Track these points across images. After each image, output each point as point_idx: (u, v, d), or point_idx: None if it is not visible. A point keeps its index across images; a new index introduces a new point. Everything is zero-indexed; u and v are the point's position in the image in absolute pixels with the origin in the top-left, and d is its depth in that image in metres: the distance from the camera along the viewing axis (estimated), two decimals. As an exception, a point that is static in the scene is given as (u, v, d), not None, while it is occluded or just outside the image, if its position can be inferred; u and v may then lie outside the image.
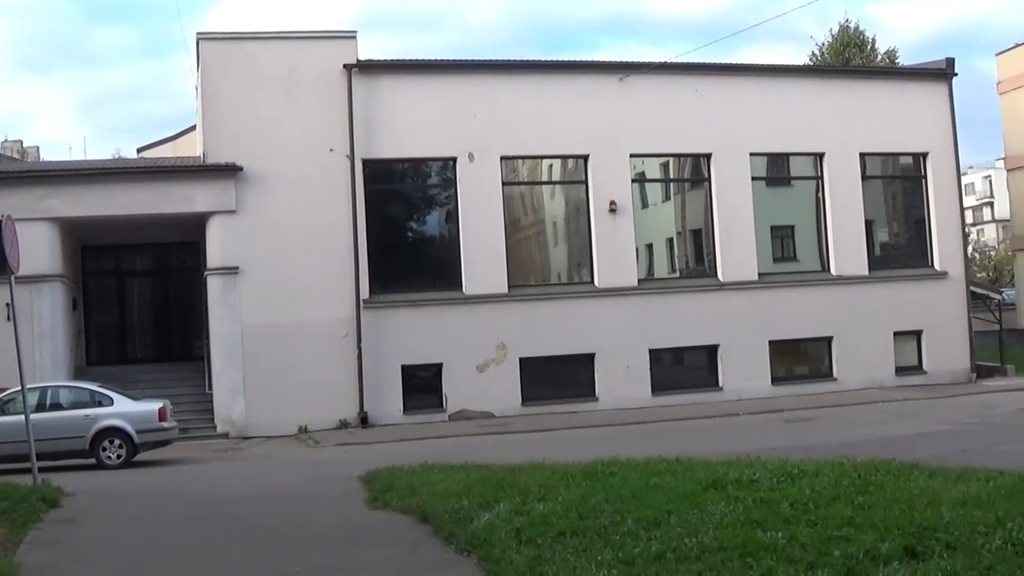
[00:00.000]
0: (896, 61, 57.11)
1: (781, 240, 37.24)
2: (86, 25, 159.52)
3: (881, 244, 38.28)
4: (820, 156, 36.17)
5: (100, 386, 26.58)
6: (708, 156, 35.18)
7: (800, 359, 36.26)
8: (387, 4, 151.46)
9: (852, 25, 59.50)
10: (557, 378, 33.41)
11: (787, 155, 36.90)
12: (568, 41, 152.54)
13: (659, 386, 33.76)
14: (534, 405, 32.45)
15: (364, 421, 31.50)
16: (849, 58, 56.56)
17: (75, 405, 25.59)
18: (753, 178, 35.53)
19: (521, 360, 32.84)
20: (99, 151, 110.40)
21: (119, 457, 24.86)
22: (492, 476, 15.19)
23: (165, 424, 25.56)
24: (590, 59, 37.66)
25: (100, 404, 25.40)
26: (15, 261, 18.65)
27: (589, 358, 33.46)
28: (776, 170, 37.46)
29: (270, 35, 33.59)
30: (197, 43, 33.11)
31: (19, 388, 20.60)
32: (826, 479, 12.62)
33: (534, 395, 32.80)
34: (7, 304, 22.80)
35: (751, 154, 35.41)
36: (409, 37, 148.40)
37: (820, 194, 36.36)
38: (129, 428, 24.96)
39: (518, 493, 13.35)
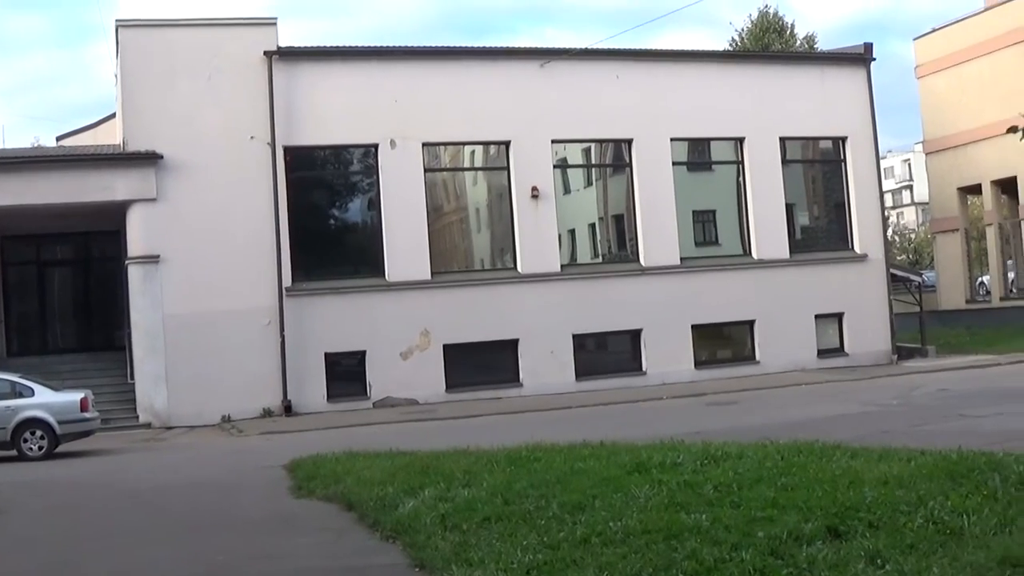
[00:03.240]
0: (815, 46, 57.60)
1: (703, 224, 37.47)
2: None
3: (802, 228, 38.64)
4: (740, 141, 36.43)
5: (21, 377, 26.28)
6: (629, 142, 35.31)
7: (723, 343, 36.54)
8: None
9: (771, 11, 59.97)
10: (481, 364, 33.41)
11: (708, 140, 37.12)
12: (486, 27, 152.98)
13: (583, 371, 33.90)
14: (458, 391, 32.48)
15: (288, 409, 31.36)
16: (768, 43, 56.94)
17: (-5, 397, 25.35)
18: (674, 163, 35.72)
19: (445, 347, 32.83)
20: (18, 139, 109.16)
21: (41, 448, 24.64)
22: (417, 463, 15.22)
23: (87, 415, 25.36)
24: (511, 45, 37.58)
25: (21, 395, 25.14)
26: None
27: (513, 344, 33.52)
28: (697, 155, 37.68)
29: (189, 22, 33.35)
30: (116, 30, 32.77)
31: (-62, 380, 20.40)
32: (749, 461, 12.74)
33: (458, 381, 32.82)
34: (-76, 295, 22.61)
35: (672, 139, 35.59)
36: (325, 22, 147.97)
37: (741, 178, 36.63)
38: (51, 419, 24.74)
39: (443, 479, 13.40)
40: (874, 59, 38.09)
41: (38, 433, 24.77)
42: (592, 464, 13.51)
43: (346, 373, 32.48)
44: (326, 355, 32.13)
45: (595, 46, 35.80)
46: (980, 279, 49.45)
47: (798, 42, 58.57)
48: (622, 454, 14.15)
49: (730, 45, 58.75)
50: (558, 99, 34.20)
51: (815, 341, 36.32)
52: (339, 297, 32.48)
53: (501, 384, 33.09)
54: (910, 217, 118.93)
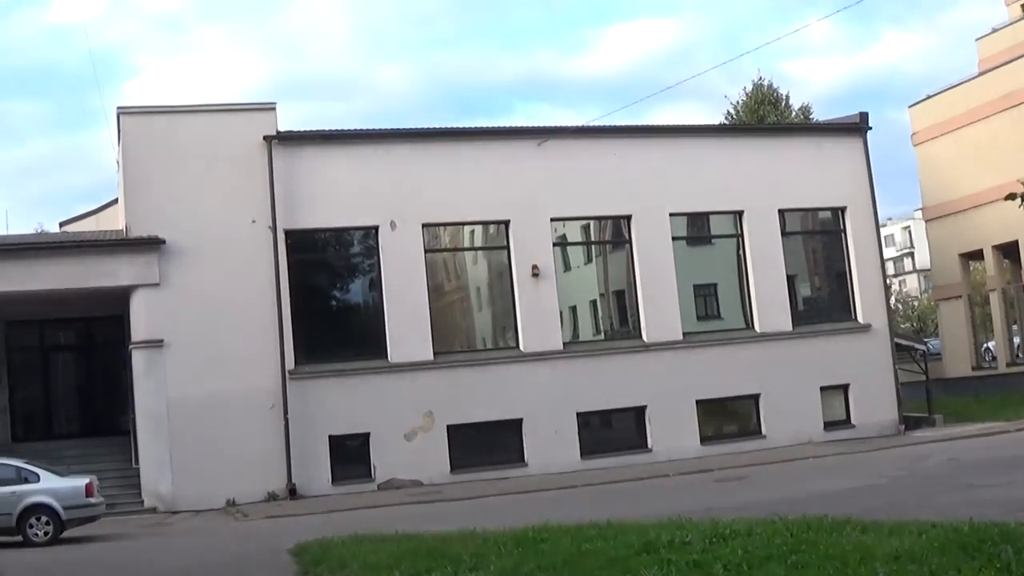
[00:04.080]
0: (811, 117, 57.79)
1: (704, 299, 37.50)
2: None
3: (804, 299, 38.65)
4: (739, 214, 36.53)
5: (26, 462, 26.25)
6: (628, 218, 35.42)
7: (728, 417, 36.39)
8: (297, 72, 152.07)
9: (766, 83, 60.20)
10: (485, 444, 33.31)
11: (707, 214, 37.18)
12: (481, 105, 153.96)
13: (588, 449, 33.78)
14: (463, 472, 32.35)
15: (293, 493, 31.27)
16: (764, 115, 57.17)
17: (1, 482, 25.29)
18: (674, 238, 35.78)
19: (449, 427, 32.75)
20: (21, 225, 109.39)
21: (46, 534, 24.53)
22: (423, 546, 15.15)
23: (92, 500, 25.30)
24: (508, 125, 37.84)
25: (26, 481, 25.10)
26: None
27: (517, 423, 33.44)
28: (696, 229, 37.73)
29: (190, 108, 33.52)
30: (118, 117, 33.02)
31: (-57, 466, 20.39)
32: (759, 538, 12.68)
33: (463, 462, 32.71)
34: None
35: (671, 214, 35.68)
36: (320, 105, 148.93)
37: (741, 251, 36.69)
38: (56, 505, 24.68)
39: (450, 563, 13.32)
40: (870, 128, 38.28)
41: (43, 519, 24.67)
42: (600, 544, 13.45)
43: (350, 455, 32.38)
44: (330, 437, 32.04)
45: (592, 123, 36.09)
46: (985, 345, 49.35)
47: (793, 113, 58.79)
48: (630, 533, 14.08)
49: (726, 118, 59.01)
50: (556, 177, 34.35)
51: (821, 413, 36.18)
52: (342, 379, 32.45)
53: (506, 464, 32.96)
54: (912, 284, 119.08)
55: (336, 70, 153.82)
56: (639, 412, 34.69)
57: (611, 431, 35.40)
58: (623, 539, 13.62)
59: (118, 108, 33.22)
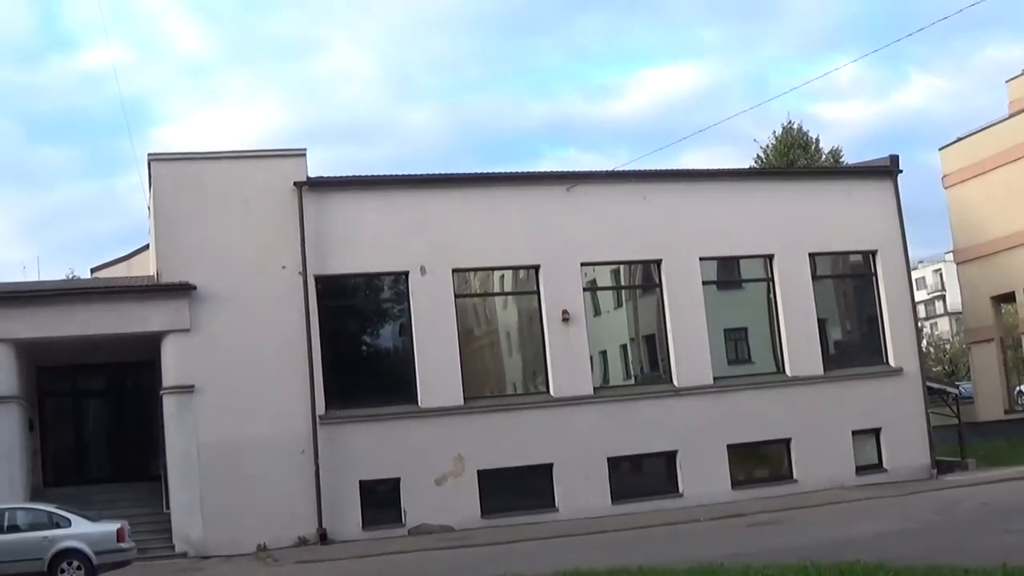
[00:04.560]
0: (841, 160, 57.83)
1: (735, 343, 37.38)
2: (28, 145, 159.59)
3: (835, 343, 38.43)
4: (770, 258, 36.47)
5: (58, 507, 26.43)
6: (658, 262, 35.41)
7: (759, 462, 36.16)
8: (324, 117, 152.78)
9: (795, 126, 60.29)
10: (516, 489, 33.21)
11: (737, 258, 37.13)
12: (509, 150, 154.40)
13: (619, 494, 33.63)
14: (494, 517, 32.27)
15: (323, 538, 31.25)
16: (794, 159, 57.20)
17: (33, 527, 25.50)
18: (704, 282, 35.69)
19: (479, 472, 32.68)
20: (53, 271, 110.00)
21: (78, 580, 24.69)
22: (455, 592, 15.15)
23: (124, 545, 25.46)
24: (536, 170, 37.86)
25: (58, 525, 25.30)
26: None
27: (547, 468, 33.35)
28: (726, 273, 37.64)
29: (220, 154, 33.73)
30: (148, 164, 33.24)
31: (-23, 511, 20.52)
32: (790, 585, 12.62)
33: (494, 507, 32.62)
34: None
35: (701, 258, 35.63)
36: (348, 149, 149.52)
37: (772, 295, 36.60)
38: (87, 550, 24.85)
39: (482, 609, 13.31)
40: (901, 171, 38.12)
41: (75, 563, 24.87)
42: (631, 591, 13.41)
43: (381, 500, 32.30)
44: (361, 482, 32.01)
45: (621, 168, 35.97)
46: (1018, 388, 49.11)
47: (823, 156, 58.83)
48: (661, 580, 14.04)
49: (755, 162, 59.05)
50: (586, 222, 34.40)
51: (853, 457, 35.95)
52: (373, 424, 32.47)
53: (537, 509, 32.83)
54: (944, 327, 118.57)
55: (363, 115, 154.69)
56: (670, 457, 34.55)
57: (642, 476, 35.21)
58: (655, 585, 13.59)
59: (149, 155, 33.45)
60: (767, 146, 60.09)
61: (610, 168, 35.96)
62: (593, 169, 35.99)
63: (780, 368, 36.36)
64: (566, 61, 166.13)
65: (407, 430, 32.54)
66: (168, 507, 31.89)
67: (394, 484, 32.36)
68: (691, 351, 34.96)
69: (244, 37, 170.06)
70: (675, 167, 38.35)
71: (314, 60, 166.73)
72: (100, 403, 39.11)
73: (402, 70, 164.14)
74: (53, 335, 31.44)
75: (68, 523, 25.35)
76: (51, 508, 26.43)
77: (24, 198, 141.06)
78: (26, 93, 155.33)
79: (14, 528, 25.43)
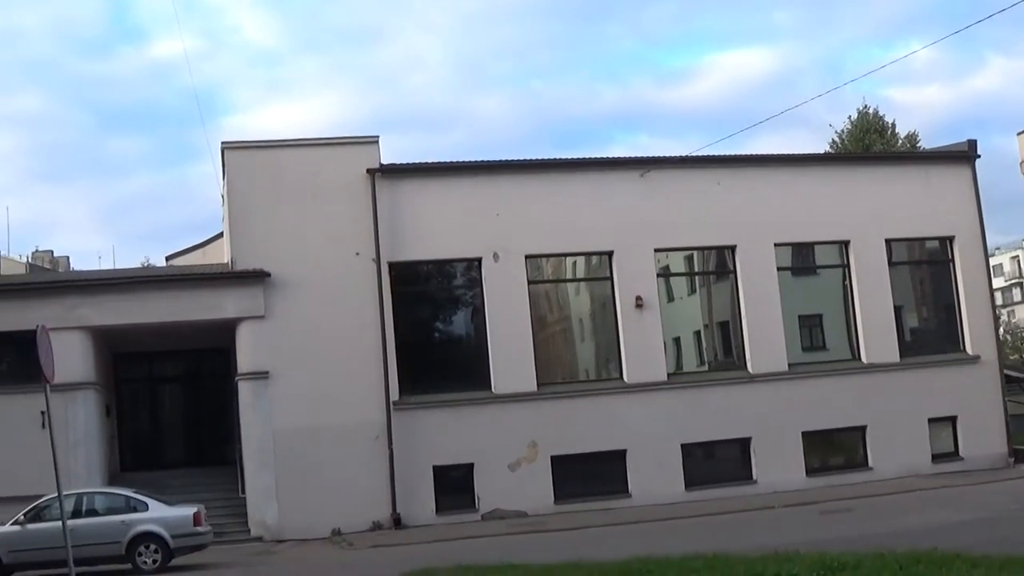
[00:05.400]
0: (917, 144, 57.22)
1: (809, 329, 37.09)
2: (101, 135, 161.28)
3: (911, 330, 38.06)
4: (845, 244, 36.15)
5: (135, 492, 26.74)
6: (732, 248, 35.22)
7: (834, 449, 35.85)
8: (394, 105, 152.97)
9: (871, 111, 59.71)
10: (589, 475, 33.15)
11: (812, 244, 36.79)
12: (579, 136, 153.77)
13: (692, 481, 33.53)
14: (567, 503, 32.27)
15: (397, 522, 31.41)
16: (869, 144, 56.69)
17: (111, 511, 25.82)
18: (779, 268, 35.46)
19: (553, 458, 32.68)
20: (128, 259, 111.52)
21: (155, 562, 25.09)
22: (528, 577, 15.12)
23: (200, 529, 25.73)
24: (610, 155, 37.73)
25: (135, 510, 25.61)
26: (50, 370, 18.75)
27: (621, 454, 33.30)
28: (801, 259, 37.34)
29: (293, 142, 33.94)
30: (222, 152, 33.48)
31: (56, 495, 20.73)
32: (867, 571, 12.51)
33: (567, 493, 32.62)
34: (42, 412, 23.06)
35: (776, 244, 35.39)
36: (418, 137, 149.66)
37: (847, 282, 36.29)
38: (165, 533, 25.14)
39: (555, 594, 13.29)
40: (978, 156, 37.66)
41: (152, 547, 25.18)
42: (706, 576, 13.34)
43: (454, 485, 32.43)
44: (434, 468, 32.13)
45: (695, 154, 35.76)
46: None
47: (899, 141, 58.25)
48: (736, 566, 13.95)
49: (830, 147, 58.56)
50: (659, 207, 34.25)
51: (928, 445, 35.58)
52: (446, 410, 32.55)
53: (610, 495, 32.79)
54: (1021, 315, 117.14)
55: (434, 102, 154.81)
56: (744, 443, 34.39)
57: (715, 462, 35.05)
58: (729, 571, 13.51)
59: (223, 143, 33.70)
60: (842, 131, 59.60)
61: (683, 153, 35.76)
62: (666, 154, 35.72)
63: (855, 355, 36.04)
64: (637, 46, 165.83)
65: (480, 416, 32.61)
66: (244, 492, 32.18)
67: (467, 469, 32.44)
68: (765, 338, 34.74)
69: (313, 25, 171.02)
70: (749, 152, 38.13)
71: (384, 48, 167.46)
72: (176, 389, 39.51)
73: (473, 57, 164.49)
74: (129, 322, 31.85)
75: (145, 507, 25.64)
76: (129, 492, 26.76)
77: (99, 188, 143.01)
78: (99, 84, 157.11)
79: (92, 512, 25.74)
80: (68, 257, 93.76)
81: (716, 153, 35.98)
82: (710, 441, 34.59)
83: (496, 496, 32.25)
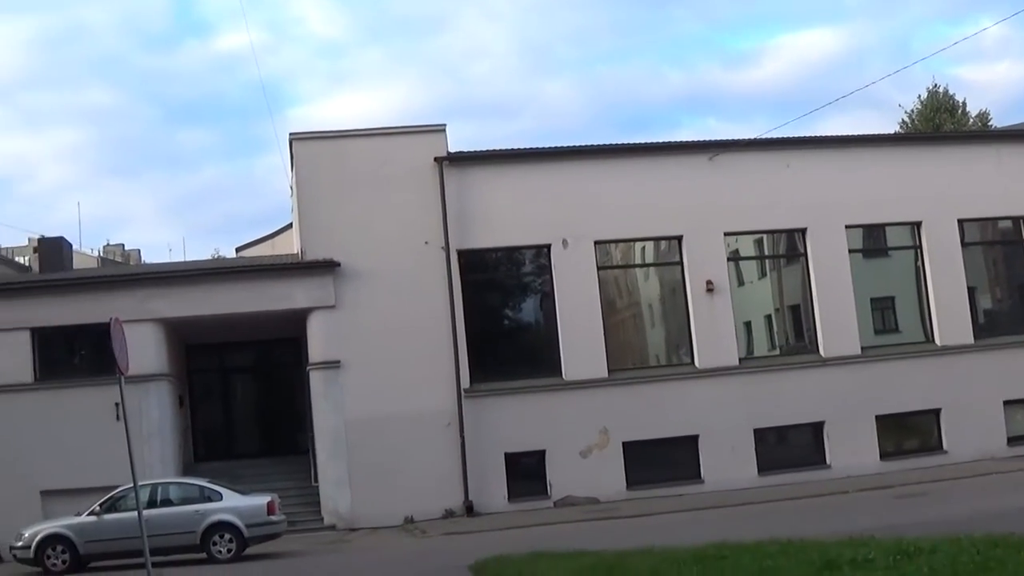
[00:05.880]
0: (989, 123, 56.57)
1: (882, 312, 36.74)
2: (169, 128, 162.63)
3: (985, 311, 37.58)
4: (917, 225, 35.76)
5: (209, 481, 26.94)
6: (803, 231, 34.96)
7: (908, 433, 35.48)
8: (459, 93, 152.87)
9: (941, 90, 59.05)
10: (661, 461, 33.05)
11: (883, 225, 36.38)
12: (646, 121, 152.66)
13: (765, 466, 33.34)
14: (639, 489, 32.20)
15: (470, 510, 31.47)
16: (940, 124, 56.09)
17: (185, 501, 26.03)
18: (850, 250, 35.12)
19: (624, 444, 32.63)
20: (197, 251, 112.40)
21: (229, 551, 25.23)
22: (602, 563, 15.07)
23: (274, 518, 25.89)
24: (678, 140, 37.46)
25: (210, 499, 25.80)
26: (124, 362, 18.91)
27: (693, 440, 33.17)
28: (873, 241, 36.99)
29: (361, 132, 34.03)
30: (290, 143, 33.64)
31: (130, 485, 20.96)
32: (943, 556, 12.35)
33: (639, 479, 32.55)
34: (116, 404, 23.32)
35: (847, 226, 35.06)
36: (484, 125, 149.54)
37: (919, 263, 35.88)
38: (239, 522, 25.30)
39: (629, 580, 13.23)
40: (1052, 134, 37.17)
41: (227, 536, 25.35)
42: (781, 562, 13.23)
43: (526, 472, 32.44)
44: (506, 455, 32.17)
45: (764, 136, 35.54)
46: None
47: (971, 120, 57.58)
48: (811, 551, 13.83)
49: (900, 127, 57.97)
50: (728, 191, 34.02)
51: (1004, 428, 35.12)
52: (517, 397, 32.56)
53: (682, 481, 32.70)
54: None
55: (499, 90, 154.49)
56: (817, 428, 34.15)
57: (788, 447, 34.80)
58: (804, 556, 13.39)
59: (290, 134, 33.86)
60: (912, 111, 58.98)
61: (751, 136, 35.53)
62: (734, 137, 35.55)
63: (929, 337, 35.68)
64: (703, 29, 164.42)
65: (551, 403, 32.58)
66: (316, 480, 32.38)
67: (539, 456, 32.45)
68: (837, 321, 34.45)
69: (376, 15, 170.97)
70: (818, 134, 37.83)
71: (448, 36, 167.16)
72: (248, 379, 39.82)
73: (537, 43, 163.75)
74: (201, 314, 32.13)
75: (219, 496, 25.83)
76: (202, 482, 26.97)
77: (167, 181, 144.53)
78: (165, 78, 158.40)
79: (167, 502, 25.99)
80: (139, 250, 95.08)
81: (785, 135, 35.73)
82: (783, 426, 34.34)
83: (568, 483, 32.24)
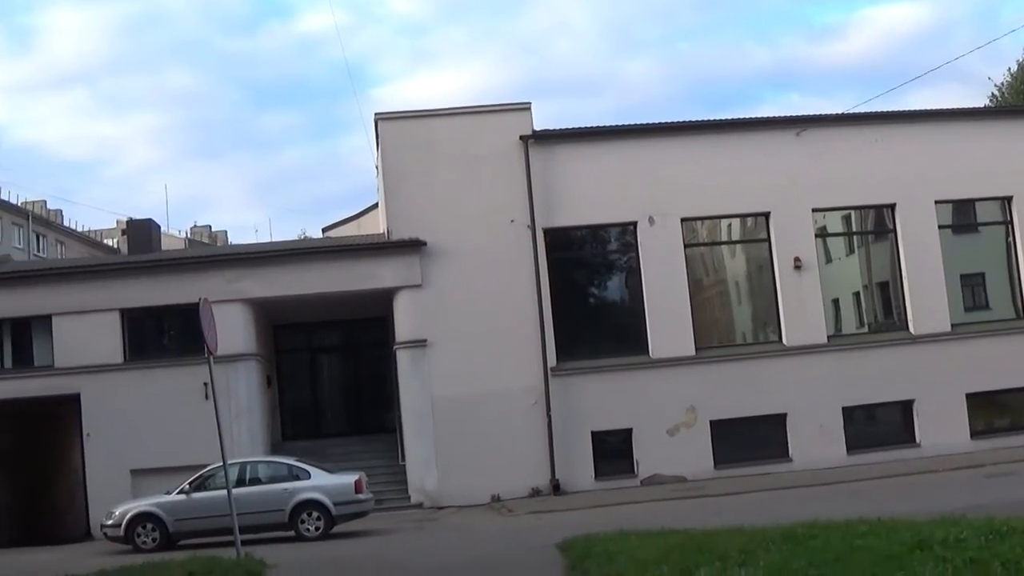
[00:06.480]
0: (1082, 95, 55.58)
1: (972, 288, 36.25)
2: (252, 110, 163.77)
3: (1078, 287, 37.01)
4: (1008, 200, 35.21)
5: (297, 460, 27.13)
6: (892, 206, 34.56)
7: (1000, 411, 34.93)
8: (541, 71, 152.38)
9: (1032, 61, 58.08)
10: (749, 439, 32.88)
11: (973, 201, 35.90)
12: (729, 97, 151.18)
13: (854, 444, 33.03)
14: (727, 468, 32.08)
15: (556, 488, 31.51)
16: (1032, 96, 55.19)
17: (274, 479, 26.25)
18: (939, 226, 34.69)
19: (712, 422, 32.51)
20: (283, 232, 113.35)
21: (317, 529, 25.38)
22: (690, 542, 14.99)
23: (361, 496, 26.00)
24: (765, 115, 37.16)
25: (298, 478, 25.99)
26: (213, 342, 19.12)
27: (781, 418, 32.96)
28: (962, 216, 36.46)
29: (446, 111, 34.09)
30: (376, 123, 33.77)
31: (220, 464, 21.20)
32: (1037, 536, 12.18)
33: (726, 457, 32.42)
34: (205, 383, 23.61)
35: (936, 201, 34.61)
36: (566, 103, 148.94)
37: (1010, 239, 35.37)
38: (327, 501, 25.45)
39: (718, 558, 13.14)
40: None
41: (315, 514, 25.51)
42: (871, 541, 13.09)
43: (613, 451, 32.45)
44: (592, 433, 32.17)
45: (851, 111, 35.18)
46: None
47: (1063, 92, 56.61)
48: (902, 530, 13.68)
49: (989, 101, 57.05)
50: (816, 167, 33.73)
51: (1100, 405, 34.64)
52: (604, 375, 32.52)
53: (770, 459, 32.48)
54: None
55: (581, 68, 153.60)
56: (906, 406, 33.78)
57: (877, 425, 34.46)
58: (895, 536, 13.24)
59: (376, 114, 34.00)
60: (1002, 84, 58.01)
61: (837, 111, 35.16)
62: (821, 112, 35.19)
63: (1020, 314, 35.20)
64: (786, 3, 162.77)
65: (638, 381, 32.53)
66: (403, 459, 32.56)
67: (626, 435, 32.43)
68: (927, 298, 34.04)
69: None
70: (905, 108, 37.38)
71: (529, 14, 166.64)
72: (335, 359, 40.01)
73: (619, 21, 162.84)
74: (288, 294, 32.43)
75: (307, 475, 26.01)
76: (291, 461, 27.16)
77: (252, 162, 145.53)
78: (248, 61, 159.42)
79: (256, 481, 26.19)
80: (226, 231, 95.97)
81: (873, 110, 35.34)
82: (872, 404, 34.01)
83: (655, 461, 32.19)
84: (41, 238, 72.33)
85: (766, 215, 33.91)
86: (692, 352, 32.90)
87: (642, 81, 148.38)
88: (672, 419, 32.40)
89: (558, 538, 18.36)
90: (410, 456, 32.21)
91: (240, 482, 25.01)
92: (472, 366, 31.60)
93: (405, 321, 32.47)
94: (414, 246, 32.26)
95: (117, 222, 77.89)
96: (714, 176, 33.34)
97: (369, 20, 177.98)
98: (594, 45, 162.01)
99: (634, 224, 33.32)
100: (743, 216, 34.76)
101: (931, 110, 36.55)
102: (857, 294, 36.07)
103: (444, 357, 31.82)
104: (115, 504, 26.54)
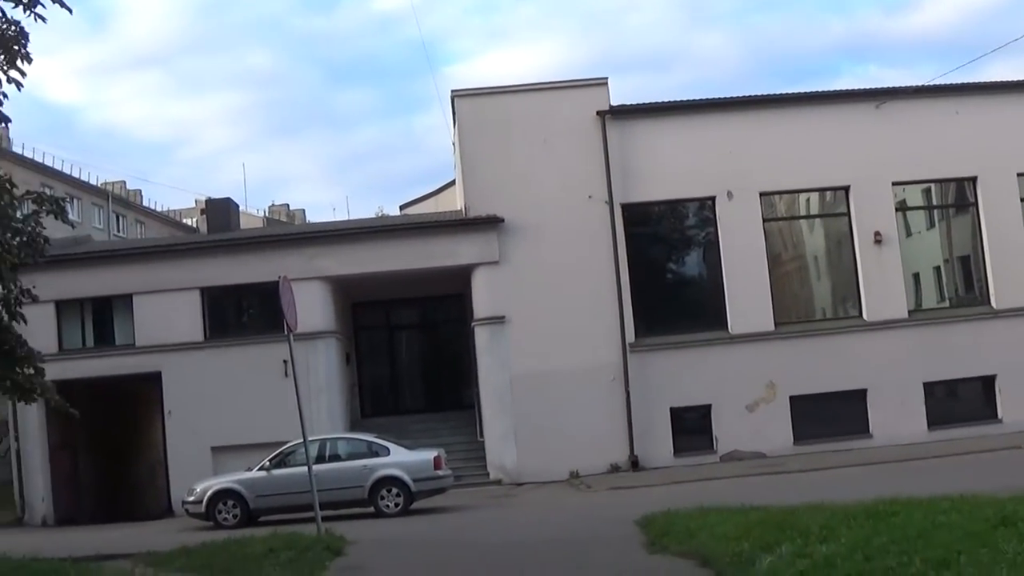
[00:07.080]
0: None
1: (1055, 262, 35.71)
2: (329, 89, 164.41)
3: None
4: (1092, 171, 34.63)
5: (376, 437, 27.29)
6: (973, 179, 34.11)
7: (1086, 386, 34.56)
8: (614, 46, 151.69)
9: (1119, 33, 57.26)
10: (829, 415, 32.66)
11: (1056, 173, 35.37)
12: (805, 70, 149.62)
13: (935, 420, 32.71)
14: (806, 444, 31.86)
15: (635, 464, 31.50)
16: (1118, 68, 54.36)
17: (353, 456, 26.39)
18: (1022, 199, 34.19)
19: (791, 398, 32.33)
20: (361, 210, 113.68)
21: (397, 505, 25.50)
22: (771, 518, 14.94)
23: (440, 472, 26.06)
24: (843, 88, 36.82)
25: (377, 454, 26.12)
26: (293, 320, 19.26)
27: (861, 393, 32.70)
28: (1046, 189, 35.93)
29: (522, 87, 34.11)
30: (452, 100, 33.86)
31: (299, 441, 21.35)
32: (1123, 512, 12.03)
33: (806, 433, 32.22)
34: (285, 361, 23.79)
35: (1019, 174, 34.09)
36: (641, 79, 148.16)
37: (1096, 211, 34.81)
38: (406, 477, 25.54)
39: (799, 535, 13.09)
40: None
41: (394, 491, 25.61)
42: (954, 518, 12.98)
43: (691, 427, 32.40)
44: (671, 409, 32.12)
45: (931, 83, 34.70)
46: None
47: None
48: (985, 507, 13.55)
49: (1076, 72, 56.36)
50: (896, 140, 33.33)
51: None
52: (682, 351, 32.45)
53: (850, 435, 32.23)
54: None
55: (655, 43, 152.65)
56: (988, 381, 33.39)
57: (958, 401, 34.13)
58: (978, 512, 13.12)
59: (452, 91, 34.09)
60: (1087, 55, 57.23)
61: (919, 83, 34.73)
62: (898, 85, 34.80)
63: (1105, 286, 34.63)
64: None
65: (717, 356, 32.43)
66: (482, 435, 32.68)
67: (704, 411, 32.36)
68: (1010, 272, 33.57)
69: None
70: (986, 80, 36.84)
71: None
72: (413, 336, 40.08)
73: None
74: (367, 271, 32.61)
75: (387, 452, 26.13)
76: (370, 437, 27.33)
77: (330, 141, 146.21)
78: (324, 40, 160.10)
79: (335, 457, 26.34)
80: (303, 210, 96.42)
81: (953, 82, 34.86)
82: (953, 379, 33.63)
83: (734, 437, 32.10)
84: (121, 218, 72.93)
85: (845, 189, 33.61)
86: (771, 327, 32.73)
87: (716, 55, 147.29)
88: (751, 395, 32.26)
89: (637, 514, 18.37)
90: (489, 433, 32.31)
91: (320, 459, 25.13)
92: (550, 342, 31.62)
93: (483, 298, 32.54)
94: (492, 223, 32.30)
95: (196, 202, 78.46)
96: (792, 150, 33.12)
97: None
98: (666, 19, 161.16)
99: (712, 199, 33.16)
100: (822, 190, 34.49)
101: (1012, 81, 35.90)
102: (938, 268, 35.68)
103: (522, 334, 31.87)
104: (196, 481, 26.84)
